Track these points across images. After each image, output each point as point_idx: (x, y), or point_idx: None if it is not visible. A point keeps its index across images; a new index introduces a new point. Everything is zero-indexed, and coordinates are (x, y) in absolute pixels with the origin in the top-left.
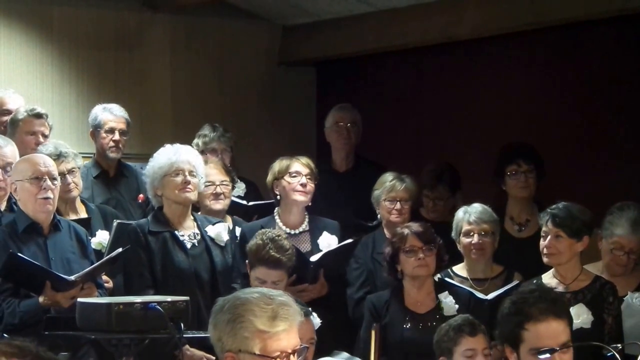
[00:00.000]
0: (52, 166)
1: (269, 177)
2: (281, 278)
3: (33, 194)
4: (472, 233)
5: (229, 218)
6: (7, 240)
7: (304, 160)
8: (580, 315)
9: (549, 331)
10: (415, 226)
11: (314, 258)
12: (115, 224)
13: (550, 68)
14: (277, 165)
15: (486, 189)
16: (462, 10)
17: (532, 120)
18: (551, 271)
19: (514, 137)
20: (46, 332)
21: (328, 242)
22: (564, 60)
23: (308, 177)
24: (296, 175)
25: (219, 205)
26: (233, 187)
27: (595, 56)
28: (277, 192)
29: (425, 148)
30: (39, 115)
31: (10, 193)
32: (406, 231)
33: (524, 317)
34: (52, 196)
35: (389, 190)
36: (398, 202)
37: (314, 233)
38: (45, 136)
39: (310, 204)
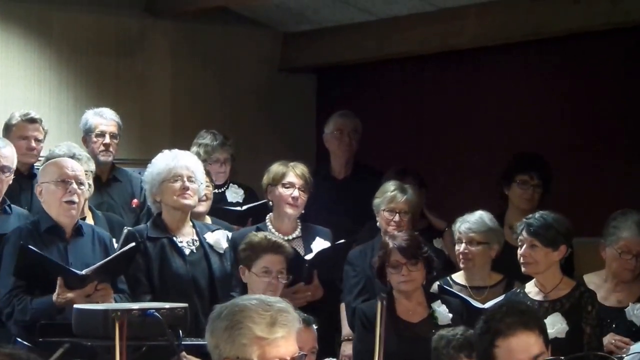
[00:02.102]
0: (79, 171)
1: (264, 180)
2: (284, 266)
3: (58, 197)
4: (460, 242)
5: (208, 219)
6: (28, 240)
7: (299, 169)
8: (555, 325)
9: (520, 345)
10: (401, 239)
11: (309, 257)
12: (125, 231)
13: (549, 78)
14: (273, 170)
15: (486, 196)
16: (463, 20)
17: (531, 130)
18: (534, 280)
19: (513, 146)
20: (40, 339)
21: (321, 247)
22: (563, 70)
23: (301, 189)
24: (289, 187)
25: (202, 207)
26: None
27: (594, 67)
28: (270, 199)
29: (425, 156)
30: (32, 120)
31: (4, 196)
32: (391, 244)
33: (493, 335)
34: (77, 200)
35: (389, 200)
36: (397, 214)
37: (307, 239)
38: (38, 141)
39: (303, 211)
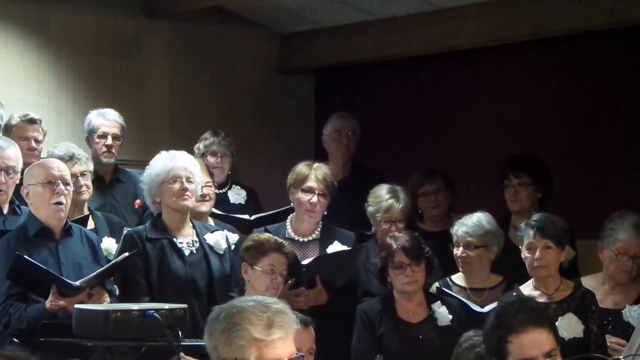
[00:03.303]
0: (65, 171)
1: (288, 180)
2: (286, 268)
3: (46, 198)
4: (458, 245)
5: (210, 220)
6: (17, 246)
7: (321, 173)
8: (572, 325)
9: (532, 341)
10: (403, 239)
11: (305, 262)
12: (125, 231)
13: (549, 78)
14: (296, 172)
15: (485, 197)
16: (462, 20)
17: (531, 130)
18: (530, 282)
19: (512, 147)
20: (42, 339)
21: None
22: (563, 71)
23: (321, 194)
24: (308, 192)
25: (205, 207)
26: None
27: (594, 67)
28: (291, 200)
29: (423, 157)
30: (32, 121)
31: (13, 196)
32: (394, 245)
33: (506, 330)
34: (64, 201)
35: (385, 210)
36: (394, 224)
37: (324, 242)
38: (38, 141)
39: (325, 212)
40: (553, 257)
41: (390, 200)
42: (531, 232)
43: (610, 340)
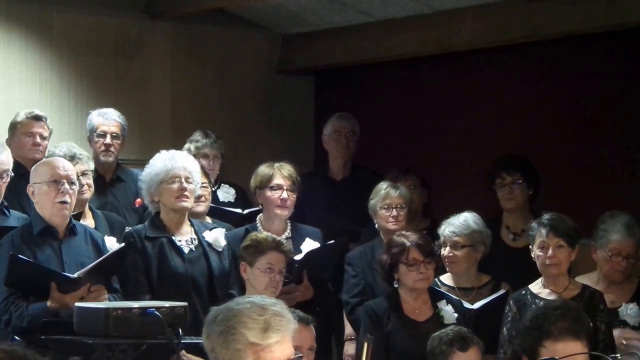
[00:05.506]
0: (71, 170)
1: (252, 183)
2: (284, 266)
3: (51, 197)
4: (445, 245)
5: (208, 219)
6: (21, 244)
7: (285, 170)
8: None
9: (566, 351)
10: (415, 237)
11: (298, 257)
12: (126, 230)
13: (545, 80)
14: (260, 173)
15: (482, 198)
16: (460, 22)
17: (528, 131)
18: (540, 281)
19: (509, 148)
20: (42, 337)
21: (311, 247)
22: (560, 72)
23: (289, 189)
24: (277, 189)
25: (201, 207)
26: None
27: (591, 69)
28: (260, 201)
29: (422, 157)
30: (37, 118)
31: (3, 199)
32: (407, 242)
33: (543, 334)
34: (69, 200)
35: (383, 197)
36: (394, 209)
37: (296, 240)
38: (43, 138)
39: (292, 210)
40: (565, 255)
41: (387, 189)
42: (544, 231)
43: (626, 335)
